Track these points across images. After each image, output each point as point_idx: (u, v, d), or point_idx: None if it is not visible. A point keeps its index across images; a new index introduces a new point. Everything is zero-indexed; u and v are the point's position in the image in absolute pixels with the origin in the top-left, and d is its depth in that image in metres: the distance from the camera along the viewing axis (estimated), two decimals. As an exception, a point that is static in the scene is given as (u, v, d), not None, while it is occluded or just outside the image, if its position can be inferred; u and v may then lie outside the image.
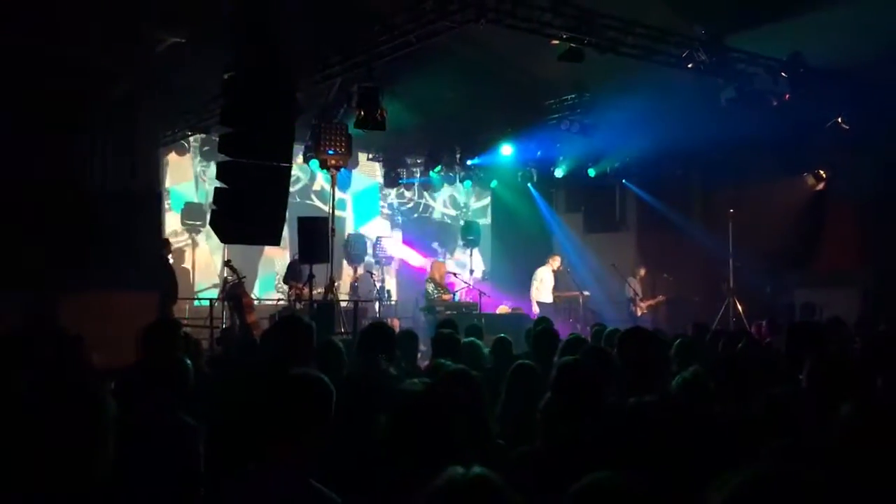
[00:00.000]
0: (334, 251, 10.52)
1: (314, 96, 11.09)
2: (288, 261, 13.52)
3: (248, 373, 4.32)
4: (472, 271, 14.77)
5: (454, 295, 12.70)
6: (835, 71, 10.33)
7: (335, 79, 10.62)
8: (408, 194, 17.44)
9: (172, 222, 14.12)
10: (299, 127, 9.57)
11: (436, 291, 12.02)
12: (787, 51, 9.99)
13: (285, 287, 12.97)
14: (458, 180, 16.25)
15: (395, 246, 16.72)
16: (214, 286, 13.32)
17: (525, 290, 13.79)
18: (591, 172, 15.02)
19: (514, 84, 12.71)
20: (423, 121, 13.29)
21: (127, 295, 7.97)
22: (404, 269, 16.65)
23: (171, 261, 11.73)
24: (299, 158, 12.42)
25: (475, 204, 18.18)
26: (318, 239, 9.87)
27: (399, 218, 17.41)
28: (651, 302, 13.50)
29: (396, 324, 11.67)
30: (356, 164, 15.49)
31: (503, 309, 13.32)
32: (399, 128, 11.76)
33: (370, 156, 16.20)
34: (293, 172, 9.77)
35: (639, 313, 13.15)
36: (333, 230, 10.26)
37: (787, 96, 10.15)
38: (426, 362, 5.89)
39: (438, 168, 15.28)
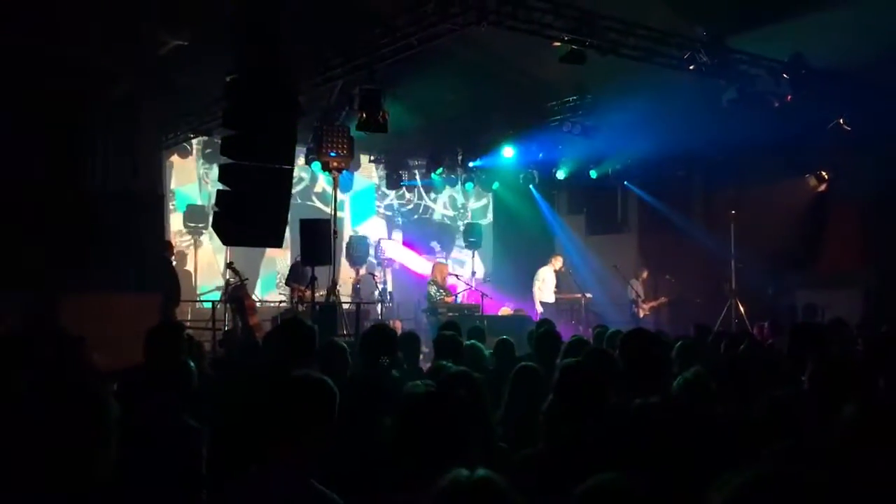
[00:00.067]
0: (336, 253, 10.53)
1: (316, 99, 11.11)
2: (289, 261, 13.52)
3: (251, 375, 4.32)
4: (473, 273, 14.77)
5: (456, 297, 12.71)
6: (836, 72, 10.32)
7: (337, 81, 10.63)
8: (408, 196, 17.46)
9: (178, 223, 14.18)
10: (301, 129, 9.58)
11: (438, 293, 12.02)
12: (789, 52, 9.98)
13: (287, 287, 12.98)
14: (459, 182, 16.26)
15: (395, 249, 16.74)
16: (217, 289, 13.32)
17: (527, 291, 13.80)
18: (593, 174, 15.03)
19: (515, 86, 12.72)
20: (424, 123, 13.31)
21: (128, 296, 7.95)
22: (405, 273, 16.64)
23: (173, 263, 11.73)
24: (301, 160, 12.43)
25: (474, 204, 18.19)
26: (320, 241, 9.87)
27: (399, 219, 17.43)
28: (653, 303, 13.49)
29: (398, 326, 11.67)
30: (358, 166, 15.50)
31: (505, 311, 13.32)
32: (401, 130, 11.77)
33: (372, 158, 16.23)
34: (295, 173, 9.78)
35: (641, 315, 13.15)
36: (336, 232, 10.26)
37: (789, 97, 10.14)
38: (428, 364, 5.90)
39: (440, 170, 15.28)
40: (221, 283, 13.19)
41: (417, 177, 16.57)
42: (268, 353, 4.62)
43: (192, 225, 14.22)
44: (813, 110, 10.70)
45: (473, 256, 15.33)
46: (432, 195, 17.71)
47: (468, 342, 5.79)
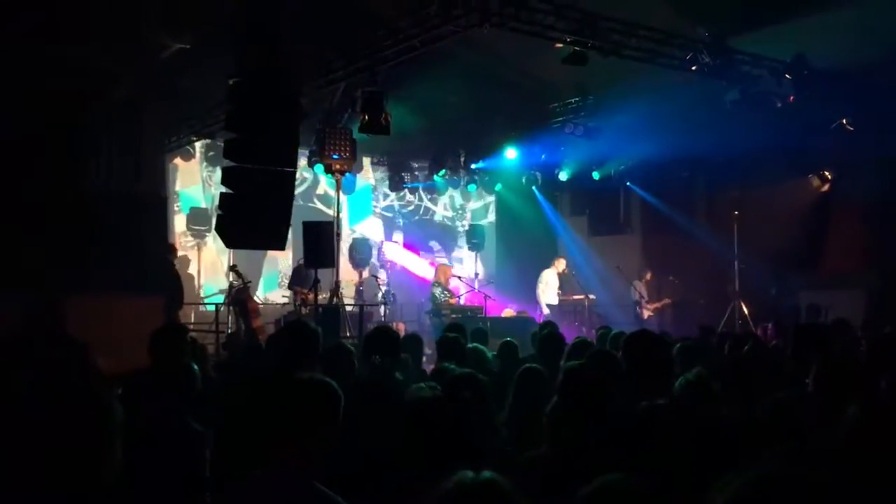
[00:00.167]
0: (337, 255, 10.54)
1: (318, 101, 11.11)
2: (291, 261, 13.53)
3: (254, 377, 4.32)
4: (476, 275, 14.76)
5: (459, 298, 12.72)
6: (839, 72, 10.31)
7: (339, 83, 10.64)
8: (409, 197, 17.47)
9: (181, 225, 14.19)
10: (304, 132, 9.58)
11: (443, 295, 12.02)
12: (792, 52, 9.98)
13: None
14: (462, 184, 16.26)
15: (396, 252, 16.75)
16: (221, 291, 13.34)
17: (530, 293, 13.79)
18: (596, 175, 15.01)
19: (518, 88, 12.73)
20: (427, 125, 13.31)
21: (130, 298, 7.90)
22: (405, 275, 16.63)
23: (177, 265, 11.75)
24: (303, 163, 12.45)
25: (473, 205, 18.18)
26: (323, 243, 9.87)
27: (400, 220, 17.44)
28: (657, 305, 13.48)
29: (402, 327, 11.66)
30: (360, 168, 15.51)
31: (508, 312, 13.33)
32: (403, 132, 11.77)
33: (374, 160, 16.23)
34: (297, 174, 9.79)
35: (645, 316, 13.15)
36: (339, 234, 10.26)
37: (792, 98, 10.15)
38: (431, 366, 5.90)
39: (443, 172, 15.28)
40: (225, 285, 13.19)
41: (420, 179, 16.57)
42: (271, 356, 4.63)
43: (196, 227, 14.23)
44: (816, 111, 10.69)
45: (476, 258, 15.32)
46: (433, 196, 17.73)
47: (470, 346, 5.79)
